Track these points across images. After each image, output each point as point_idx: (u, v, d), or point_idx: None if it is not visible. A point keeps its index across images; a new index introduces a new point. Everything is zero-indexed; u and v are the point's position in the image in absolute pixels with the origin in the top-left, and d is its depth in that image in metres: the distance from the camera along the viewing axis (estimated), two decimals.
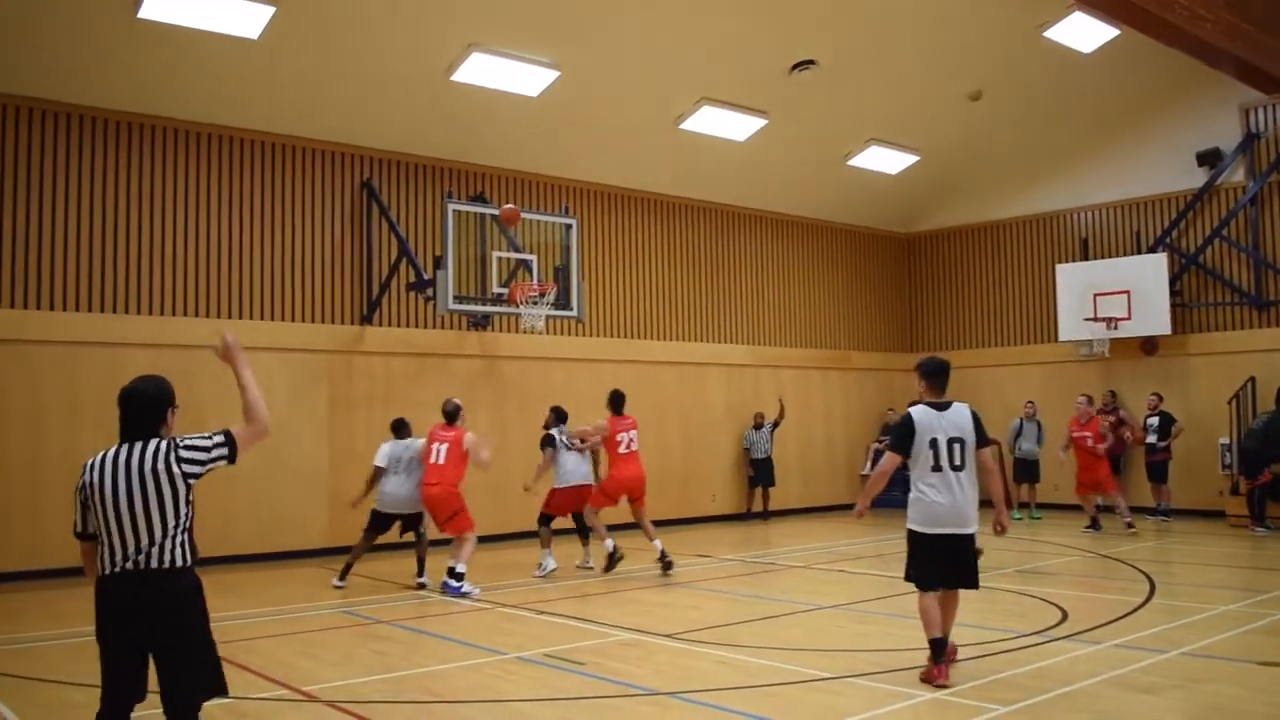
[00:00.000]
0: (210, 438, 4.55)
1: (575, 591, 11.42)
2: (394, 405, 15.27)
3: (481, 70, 14.24)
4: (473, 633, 9.21)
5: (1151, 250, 18.91)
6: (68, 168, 13.20)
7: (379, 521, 12.05)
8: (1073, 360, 19.64)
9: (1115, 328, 18.54)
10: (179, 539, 4.39)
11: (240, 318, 14.26)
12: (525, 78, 14.68)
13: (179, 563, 4.39)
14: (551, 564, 12.55)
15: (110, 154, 13.50)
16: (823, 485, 20.87)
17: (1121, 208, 19.83)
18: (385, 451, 12.10)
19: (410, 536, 12.37)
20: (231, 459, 4.59)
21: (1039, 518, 18.17)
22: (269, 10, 12.33)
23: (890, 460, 7.32)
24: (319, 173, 15.15)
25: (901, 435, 7.29)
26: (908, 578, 7.43)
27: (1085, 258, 19.88)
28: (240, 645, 8.71)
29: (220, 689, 4.57)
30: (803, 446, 20.49)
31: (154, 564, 4.38)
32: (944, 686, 6.83)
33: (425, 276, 14.57)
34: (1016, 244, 21.40)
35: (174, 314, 13.78)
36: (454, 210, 14.23)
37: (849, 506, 20.59)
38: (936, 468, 7.14)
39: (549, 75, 14.70)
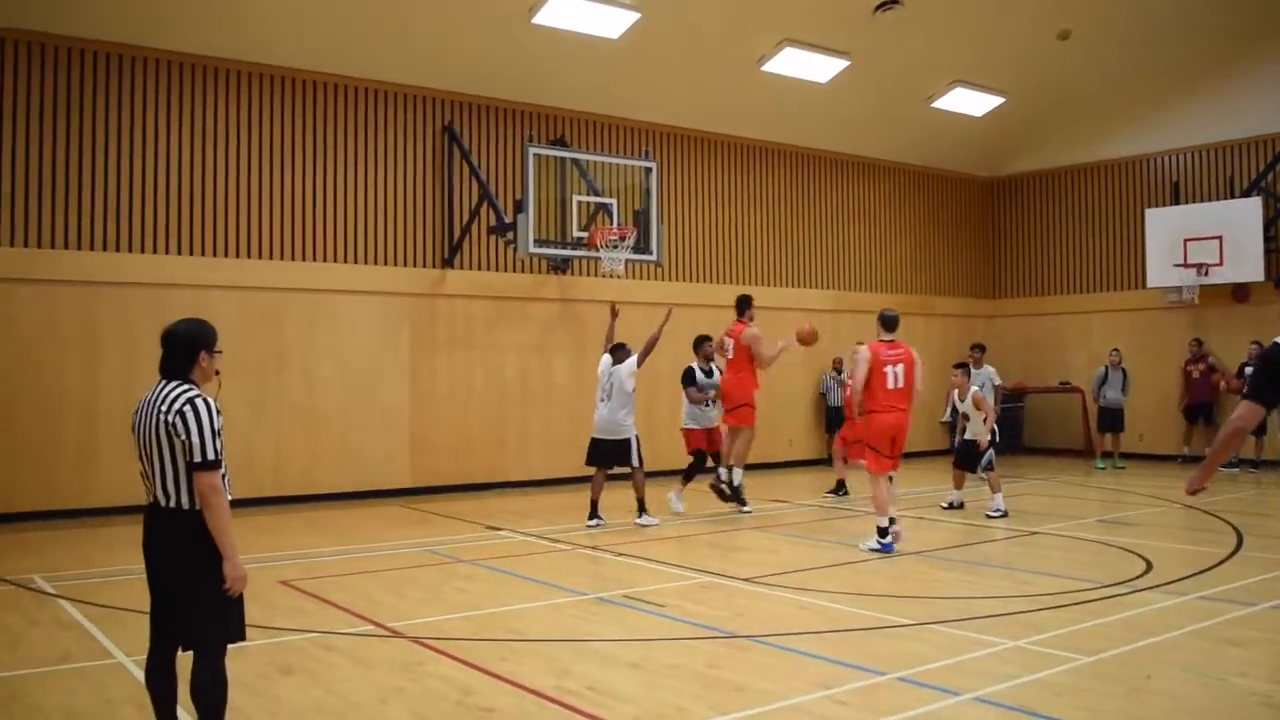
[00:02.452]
0: (202, 435, 4.40)
1: (654, 534, 11.51)
2: (475, 348, 15.50)
3: (562, 12, 14.17)
4: (554, 573, 9.34)
5: (1245, 194, 18.36)
6: (156, 113, 13.41)
7: (594, 449, 12.02)
8: (1161, 307, 19.22)
9: (1206, 274, 18.11)
10: (183, 483, 4.47)
11: (324, 261, 14.47)
12: (606, 20, 14.58)
13: (184, 505, 4.47)
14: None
15: (197, 100, 13.68)
16: None
17: (1214, 150, 19.26)
18: (602, 365, 12.13)
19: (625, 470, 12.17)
20: (195, 468, 4.42)
21: (1123, 467, 17.92)
22: None
23: (1250, 413, 4.95)
24: (401, 117, 15.23)
25: (1269, 377, 4.98)
26: None
27: (1176, 202, 19.38)
28: (330, 581, 8.94)
29: (226, 635, 4.60)
30: None
31: (163, 502, 4.50)
32: None
33: (506, 220, 14.63)
34: (1105, 188, 20.91)
35: (259, 257, 14.00)
36: (534, 154, 14.24)
37: (927, 454, 20.46)
38: None
39: (630, 17, 14.59)
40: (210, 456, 4.42)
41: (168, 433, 4.43)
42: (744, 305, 12.83)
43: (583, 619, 7.60)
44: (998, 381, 15.63)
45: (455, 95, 15.61)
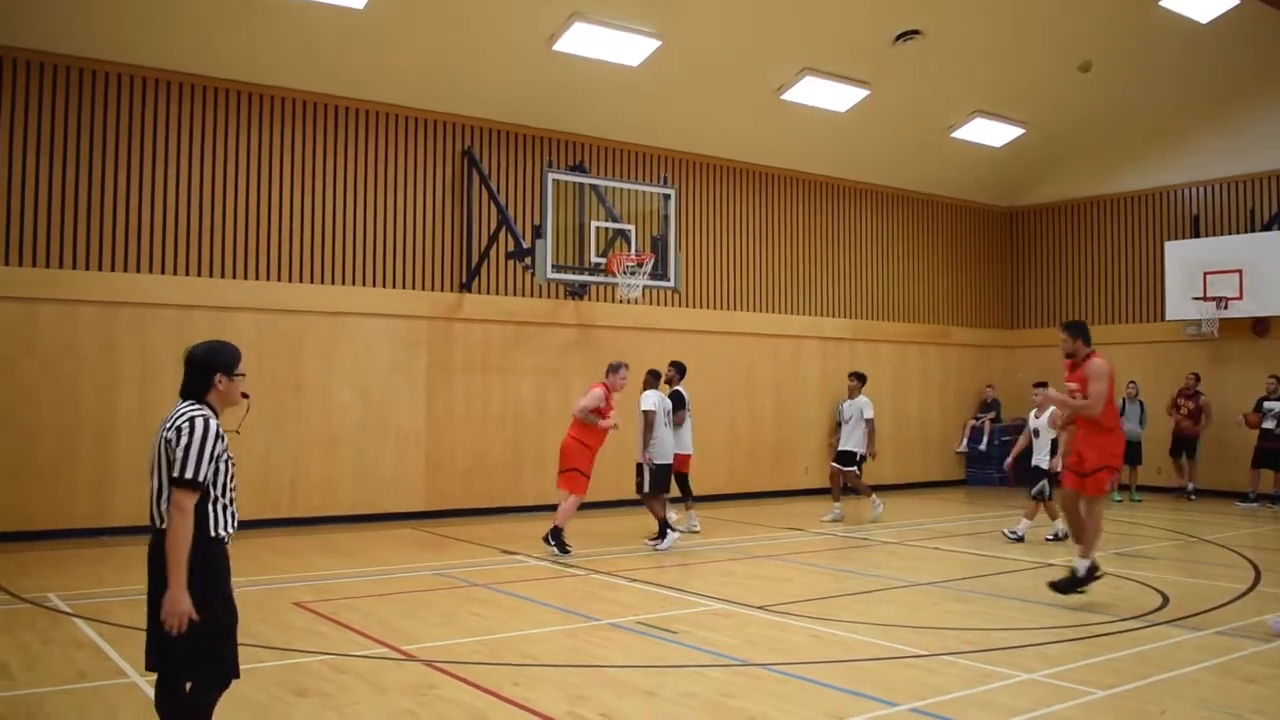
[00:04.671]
0: (188, 451, 4.28)
1: (667, 560, 11.50)
2: (492, 372, 15.54)
3: (583, 40, 14.26)
4: (568, 598, 9.34)
5: (1266, 228, 18.33)
6: (180, 136, 13.53)
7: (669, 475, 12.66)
8: (1180, 340, 19.15)
9: (1225, 307, 18.04)
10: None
11: (343, 283, 14.55)
12: (626, 47, 14.67)
13: None
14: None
15: (219, 123, 13.80)
16: (917, 462, 20.66)
17: (1235, 184, 19.23)
18: (653, 399, 12.47)
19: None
20: (173, 482, 4.30)
21: (1140, 500, 17.82)
22: None
23: None
24: (421, 142, 15.34)
25: None
26: None
27: (1196, 235, 19.33)
28: (343, 604, 8.95)
29: (224, 673, 4.48)
30: (898, 422, 20.27)
31: (158, 523, 4.38)
32: None
33: (524, 245, 14.68)
34: (1124, 220, 20.87)
35: (279, 279, 14.09)
36: (553, 180, 14.30)
37: (943, 484, 20.43)
38: None
39: (650, 45, 14.67)
40: (189, 475, 4.27)
41: (166, 450, 4.37)
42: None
43: (596, 645, 7.59)
44: (869, 414, 15.16)
45: (475, 121, 15.71)
